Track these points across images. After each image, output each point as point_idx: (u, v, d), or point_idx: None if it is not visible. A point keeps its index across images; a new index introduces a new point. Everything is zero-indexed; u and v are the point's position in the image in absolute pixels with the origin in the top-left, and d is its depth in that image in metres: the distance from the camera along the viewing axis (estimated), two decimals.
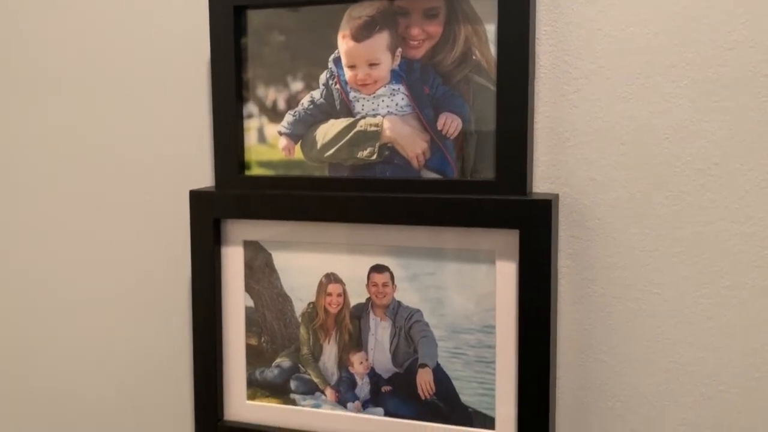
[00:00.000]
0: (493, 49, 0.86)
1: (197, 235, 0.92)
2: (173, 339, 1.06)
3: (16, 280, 1.12)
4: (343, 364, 0.91)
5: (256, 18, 0.95)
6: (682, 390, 0.86)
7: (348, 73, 0.93)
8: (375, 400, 0.91)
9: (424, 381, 0.90)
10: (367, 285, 0.94)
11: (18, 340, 1.13)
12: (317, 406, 0.94)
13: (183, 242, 1.06)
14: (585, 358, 0.89)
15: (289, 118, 0.97)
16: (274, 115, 0.97)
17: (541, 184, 0.90)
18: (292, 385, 0.93)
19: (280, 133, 0.98)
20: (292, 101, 0.96)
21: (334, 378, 0.93)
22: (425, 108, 0.90)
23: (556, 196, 0.88)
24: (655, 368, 0.87)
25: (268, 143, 0.97)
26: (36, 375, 1.16)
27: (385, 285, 0.93)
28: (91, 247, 1.09)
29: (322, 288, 0.94)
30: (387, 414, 0.91)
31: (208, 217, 0.93)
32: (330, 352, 0.92)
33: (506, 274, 0.87)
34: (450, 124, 0.89)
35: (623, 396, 0.89)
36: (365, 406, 0.91)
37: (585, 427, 0.90)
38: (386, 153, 0.92)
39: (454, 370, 0.88)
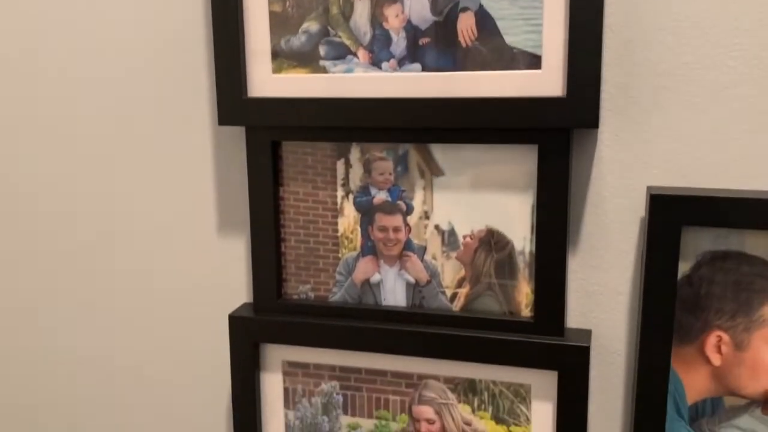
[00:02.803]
0: None
1: None
2: None
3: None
4: (376, 20, 0.79)
5: None
6: None
7: None
8: (412, 55, 0.79)
9: (466, 26, 0.78)
10: None
11: None
12: (349, 71, 0.83)
13: None
14: None
15: None
16: None
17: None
18: (321, 51, 0.82)
19: None
20: None
21: (367, 37, 0.81)
22: None
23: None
24: None
25: None
26: None
27: None
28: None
29: None
30: (425, 69, 0.79)
31: None
32: (363, 9, 0.81)
33: None
34: None
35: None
36: (401, 63, 0.79)
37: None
38: None
39: (499, 9, 0.77)
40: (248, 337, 0.89)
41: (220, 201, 0.93)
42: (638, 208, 0.79)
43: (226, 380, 0.99)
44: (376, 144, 0.83)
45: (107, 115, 0.95)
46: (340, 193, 0.85)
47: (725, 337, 0.75)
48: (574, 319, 0.83)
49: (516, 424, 0.83)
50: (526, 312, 0.82)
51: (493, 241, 0.81)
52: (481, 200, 0.81)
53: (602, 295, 0.82)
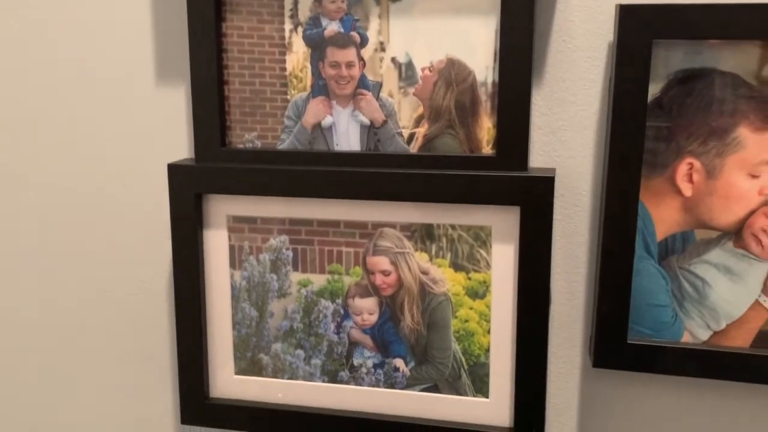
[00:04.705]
0: None
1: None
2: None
3: None
4: None
5: None
6: None
7: None
8: None
9: None
10: None
11: None
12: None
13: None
14: None
15: None
16: None
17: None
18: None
19: None
20: None
21: None
22: None
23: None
24: None
25: None
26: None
27: None
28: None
29: None
30: None
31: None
32: None
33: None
34: None
35: None
36: None
37: None
38: None
39: None
40: (189, 188, 0.82)
41: (158, 49, 0.86)
42: (607, 34, 0.74)
43: (168, 240, 0.92)
44: None
45: None
46: (288, 26, 0.79)
47: (697, 164, 0.71)
48: (537, 158, 0.78)
49: (476, 270, 0.78)
50: (487, 150, 0.76)
51: (453, 73, 0.76)
52: (441, 27, 0.75)
53: (567, 130, 0.77)
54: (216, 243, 0.85)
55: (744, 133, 0.70)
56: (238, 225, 0.84)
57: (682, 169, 0.71)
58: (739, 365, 0.74)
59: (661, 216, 0.73)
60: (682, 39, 0.69)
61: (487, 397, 0.81)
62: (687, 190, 0.72)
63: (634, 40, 0.69)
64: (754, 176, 0.70)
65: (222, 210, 0.84)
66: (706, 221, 0.72)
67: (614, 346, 0.75)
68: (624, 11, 0.68)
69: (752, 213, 0.71)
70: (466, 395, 0.81)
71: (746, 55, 0.69)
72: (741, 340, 0.74)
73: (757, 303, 0.73)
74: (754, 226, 0.71)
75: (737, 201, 0.71)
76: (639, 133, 0.70)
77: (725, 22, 0.67)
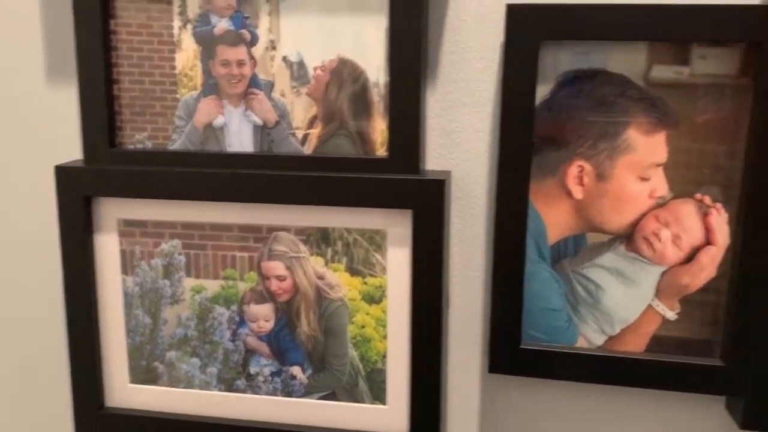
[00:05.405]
0: None
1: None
2: None
3: None
4: None
5: None
6: None
7: None
8: None
9: None
10: None
11: None
12: None
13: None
14: None
15: None
16: None
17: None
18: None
19: None
20: None
21: None
22: None
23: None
24: None
25: None
26: None
27: None
28: None
29: None
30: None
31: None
32: None
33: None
34: None
35: None
36: None
37: None
38: None
39: None
40: (78, 191, 0.79)
41: (47, 46, 0.82)
42: (500, 34, 0.73)
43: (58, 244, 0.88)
44: None
45: None
46: (177, 23, 0.76)
47: (587, 166, 0.70)
48: (433, 161, 0.77)
49: (372, 275, 0.76)
50: (382, 152, 0.75)
51: (345, 73, 0.74)
52: (331, 26, 0.73)
53: (462, 132, 0.75)
54: (107, 248, 0.81)
55: (633, 135, 0.69)
56: (129, 229, 0.81)
57: (573, 171, 0.71)
58: (633, 370, 0.73)
59: (553, 219, 0.72)
60: (570, 40, 0.68)
61: (385, 403, 0.79)
62: (578, 192, 0.71)
63: (522, 41, 0.68)
64: (644, 179, 0.70)
65: (112, 213, 0.80)
66: (598, 224, 0.72)
67: (508, 351, 0.74)
68: (512, 12, 0.67)
69: (643, 216, 0.70)
70: (364, 402, 0.79)
71: (634, 57, 0.68)
72: (635, 345, 0.74)
73: (650, 307, 0.72)
74: (645, 230, 0.71)
75: (628, 204, 0.70)
76: (528, 136, 0.69)
77: (613, 23, 0.66)
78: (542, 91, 0.69)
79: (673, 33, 0.66)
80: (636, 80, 0.68)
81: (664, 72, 0.68)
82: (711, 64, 0.67)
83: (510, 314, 0.73)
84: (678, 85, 0.68)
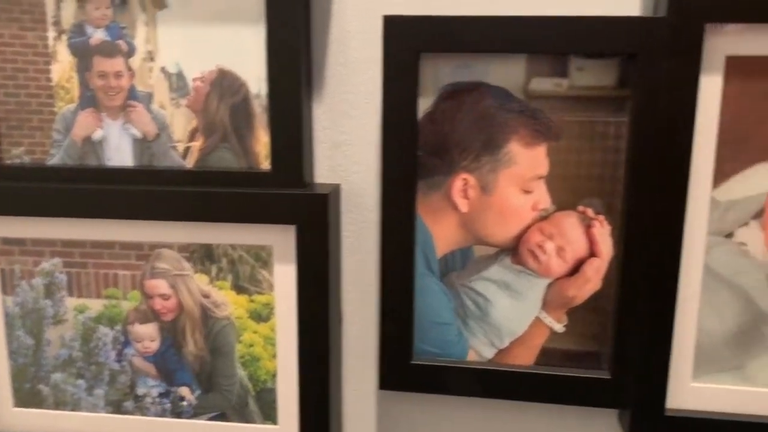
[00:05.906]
0: None
1: None
2: None
3: None
4: None
5: None
6: None
7: None
8: None
9: None
10: None
11: None
12: None
13: None
14: None
15: None
16: None
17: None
18: None
19: None
20: None
21: None
22: None
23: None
24: None
25: None
26: None
27: None
28: None
29: None
30: None
31: None
32: None
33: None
34: None
35: None
36: None
37: None
38: None
39: None
40: None
41: None
42: None
43: None
44: None
45: None
46: (51, 33, 0.73)
47: (471, 179, 0.69)
48: (322, 174, 0.75)
49: (259, 292, 0.74)
50: (265, 165, 0.73)
51: (225, 84, 0.72)
52: (210, 36, 0.71)
53: (351, 144, 0.74)
54: None
55: (515, 148, 0.68)
56: (7, 247, 0.77)
57: (458, 184, 0.70)
58: (523, 383, 0.72)
59: (441, 232, 0.71)
60: (448, 52, 0.67)
61: (276, 423, 0.77)
62: (463, 206, 0.70)
63: (401, 53, 0.66)
64: (527, 191, 0.69)
65: None
66: (483, 237, 0.71)
67: (398, 366, 0.73)
68: (389, 23, 0.66)
69: (527, 229, 0.70)
70: (255, 422, 0.77)
71: (513, 69, 0.67)
72: (525, 358, 0.73)
73: (538, 320, 0.72)
74: (529, 242, 0.70)
75: (512, 217, 0.70)
76: (412, 148, 0.68)
77: (491, 35, 0.65)
78: (425, 104, 0.68)
79: (550, 45, 0.65)
80: (516, 93, 0.67)
81: (543, 84, 0.67)
82: (589, 75, 0.67)
83: (400, 329, 0.72)
84: (557, 96, 0.67)
